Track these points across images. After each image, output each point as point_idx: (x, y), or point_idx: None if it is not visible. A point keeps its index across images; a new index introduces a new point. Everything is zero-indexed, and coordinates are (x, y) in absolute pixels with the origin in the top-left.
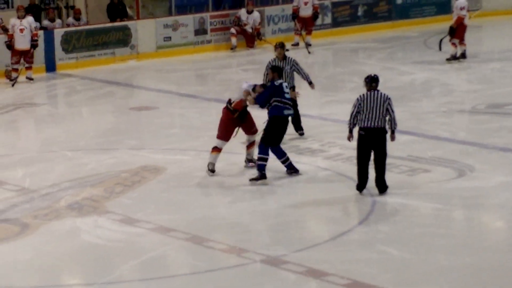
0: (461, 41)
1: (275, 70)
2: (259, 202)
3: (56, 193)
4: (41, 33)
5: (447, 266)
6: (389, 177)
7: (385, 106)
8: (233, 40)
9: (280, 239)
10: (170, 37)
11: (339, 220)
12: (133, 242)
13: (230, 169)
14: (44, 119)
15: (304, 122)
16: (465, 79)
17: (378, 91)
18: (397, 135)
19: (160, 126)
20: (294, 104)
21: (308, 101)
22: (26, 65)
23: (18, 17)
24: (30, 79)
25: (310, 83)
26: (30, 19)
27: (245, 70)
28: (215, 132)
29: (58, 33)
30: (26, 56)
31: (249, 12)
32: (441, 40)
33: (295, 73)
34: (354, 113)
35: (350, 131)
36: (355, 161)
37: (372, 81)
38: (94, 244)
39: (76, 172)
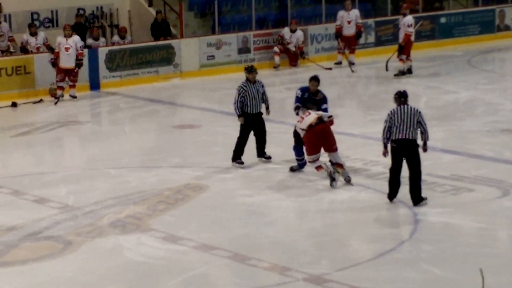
0: (408, 57)
1: None
2: (302, 220)
3: (99, 210)
4: (85, 51)
5: (492, 286)
6: (433, 196)
7: (417, 119)
8: (276, 59)
9: (323, 257)
10: (213, 56)
11: (382, 238)
12: (176, 260)
13: (273, 187)
14: (87, 137)
15: (347, 140)
16: (510, 99)
17: (408, 105)
18: (440, 154)
19: (203, 144)
20: (262, 128)
21: (351, 120)
22: (70, 83)
23: (65, 36)
24: (74, 97)
25: (267, 108)
26: (76, 38)
27: (288, 89)
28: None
29: (103, 52)
30: (70, 74)
31: (293, 31)
32: (387, 61)
33: None
34: (386, 128)
35: (385, 147)
36: None
37: (401, 96)
38: (137, 262)
39: (119, 190)
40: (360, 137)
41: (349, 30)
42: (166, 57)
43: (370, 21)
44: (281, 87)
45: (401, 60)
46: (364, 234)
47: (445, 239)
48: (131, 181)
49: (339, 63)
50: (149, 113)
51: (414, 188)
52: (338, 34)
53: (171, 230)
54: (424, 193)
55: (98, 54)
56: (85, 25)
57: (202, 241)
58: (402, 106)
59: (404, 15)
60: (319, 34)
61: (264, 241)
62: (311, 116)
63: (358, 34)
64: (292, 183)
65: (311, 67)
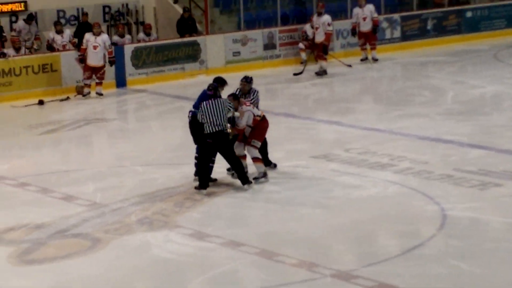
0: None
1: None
2: (329, 216)
3: (126, 207)
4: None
5: None
6: (460, 191)
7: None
8: (303, 55)
9: (350, 253)
10: (239, 52)
11: (409, 234)
12: (203, 257)
13: (300, 183)
14: (114, 134)
15: (373, 136)
16: None
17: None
18: (467, 149)
19: None
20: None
21: (377, 116)
22: (97, 81)
23: (94, 34)
24: (100, 94)
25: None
26: (105, 36)
27: (314, 85)
28: (283, 146)
29: (128, 49)
30: (97, 72)
31: (319, 14)
32: (305, 65)
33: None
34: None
35: None
36: (425, 175)
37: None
38: (165, 259)
39: (146, 186)
40: (386, 133)
41: (366, 27)
42: (192, 54)
43: (396, 16)
44: (306, 83)
45: (324, 59)
46: (392, 229)
47: (472, 235)
48: (158, 178)
49: (365, 59)
50: (175, 110)
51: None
52: (354, 31)
53: (198, 227)
54: (451, 188)
55: (124, 51)
56: (91, 24)
57: (229, 237)
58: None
59: (320, 14)
60: (345, 30)
61: (292, 237)
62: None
63: (374, 29)
64: (319, 179)
65: (335, 63)
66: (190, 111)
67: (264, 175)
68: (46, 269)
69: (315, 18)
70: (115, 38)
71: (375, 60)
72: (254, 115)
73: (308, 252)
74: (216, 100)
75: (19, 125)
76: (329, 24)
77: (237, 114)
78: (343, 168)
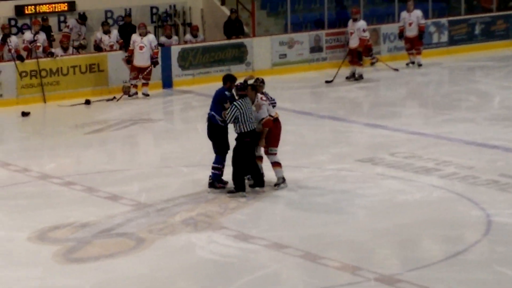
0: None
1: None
2: (373, 220)
3: (171, 208)
4: (159, 50)
5: None
6: (506, 197)
7: None
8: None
9: (394, 257)
10: (285, 54)
11: (454, 239)
12: (247, 258)
13: (343, 187)
14: (160, 134)
15: (419, 140)
16: None
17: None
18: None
19: None
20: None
21: (423, 120)
22: (143, 81)
23: (140, 34)
24: (146, 95)
25: None
26: (151, 37)
27: (360, 88)
28: (328, 149)
29: (175, 50)
30: (143, 72)
31: (354, 20)
32: (337, 71)
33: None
34: None
35: None
36: (470, 180)
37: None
38: (209, 260)
39: (191, 187)
40: (432, 137)
41: (411, 32)
42: (238, 56)
43: (443, 20)
44: (352, 86)
45: (360, 65)
46: (436, 234)
47: None
48: (203, 179)
49: (412, 63)
50: None
51: None
52: (401, 34)
53: (242, 228)
54: (497, 194)
55: (171, 52)
56: (134, 25)
57: (273, 239)
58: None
59: (355, 19)
60: (392, 33)
61: (336, 240)
62: None
63: (420, 35)
64: (364, 182)
65: (380, 67)
66: (213, 116)
67: (283, 180)
68: (91, 268)
69: (350, 23)
70: (162, 39)
71: (419, 65)
72: (268, 111)
73: (352, 256)
74: (246, 99)
75: (66, 125)
76: (364, 30)
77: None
78: (388, 172)
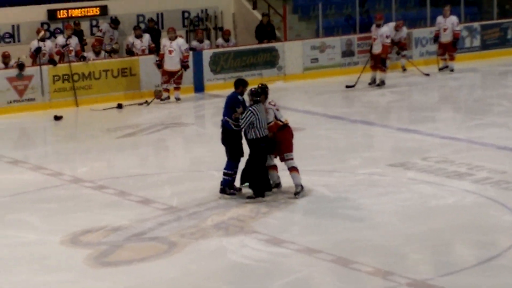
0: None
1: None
2: (405, 225)
3: (203, 212)
4: (189, 54)
5: None
6: None
7: None
8: (402, 61)
9: (426, 262)
10: (317, 59)
11: (487, 244)
12: (279, 263)
13: (376, 191)
14: (191, 138)
15: (452, 145)
16: None
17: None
18: None
19: (307, 147)
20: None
21: (456, 125)
22: (174, 85)
23: (169, 39)
24: (178, 99)
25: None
26: (180, 41)
27: (391, 92)
28: (360, 153)
29: (207, 54)
30: (174, 76)
31: (378, 26)
32: (359, 77)
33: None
34: None
35: None
36: (503, 185)
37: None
38: (240, 264)
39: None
40: (465, 142)
41: (446, 37)
42: (270, 60)
43: (476, 24)
44: (384, 90)
45: (383, 70)
46: (469, 239)
47: None
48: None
49: (445, 67)
50: None
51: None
52: (436, 38)
53: (274, 232)
54: None
55: (203, 57)
56: (159, 29)
57: (305, 244)
58: None
59: (379, 25)
60: (424, 38)
61: (367, 245)
62: None
63: (454, 42)
64: (396, 187)
65: (412, 71)
66: (227, 121)
67: (302, 188)
68: (122, 272)
69: (373, 29)
70: (194, 43)
71: (451, 70)
72: (275, 116)
73: (384, 260)
74: (259, 105)
75: (98, 128)
76: (387, 37)
77: None
78: (421, 177)
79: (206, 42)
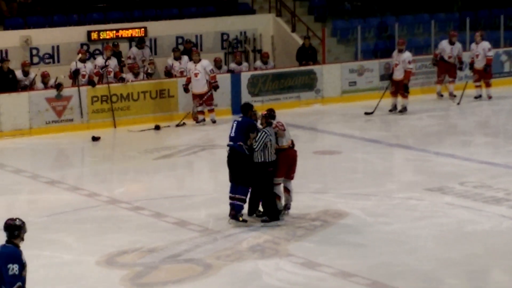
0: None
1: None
2: (442, 249)
3: (238, 234)
4: (228, 76)
5: None
6: None
7: None
8: (438, 88)
9: (463, 287)
10: (355, 82)
11: None
12: (314, 286)
13: (412, 215)
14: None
15: (489, 170)
16: None
17: None
18: None
19: (343, 171)
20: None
21: (494, 149)
22: (207, 107)
23: (194, 62)
24: (213, 121)
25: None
26: (204, 62)
27: (429, 117)
28: (397, 177)
29: (245, 76)
30: (204, 99)
31: (452, 43)
32: (378, 103)
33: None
34: None
35: None
36: None
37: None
38: (275, 287)
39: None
40: (502, 167)
41: (479, 64)
42: (308, 83)
43: None
44: (422, 114)
45: (405, 97)
46: (506, 265)
47: None
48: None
49: (478, 97)
50: None
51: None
52: (471, 66)
53: (309, 256)
54: None
55: (241, 79)
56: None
57: (340, 268)
58: None
59: (401, 50)
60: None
61: (404, 270)
62: None
63: (485, 68)
64: (433, 211)
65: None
66: (241, 146)
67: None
68: None
69: (395, 54)
70: (232, 65)
71: (489, 97)
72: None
73: (420, 285)
74: (271, 128)
75: (135, 149)
76: (409, 62)
77: None
78: (458, 202)
79: (245, 64)
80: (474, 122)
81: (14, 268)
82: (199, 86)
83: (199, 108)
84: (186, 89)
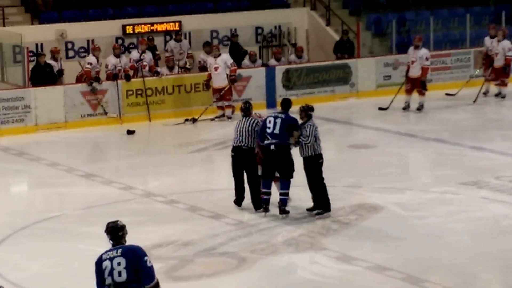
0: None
1: None
2: (477, 244)
3: (273, 228)
4: (262, 70)
5: None
6: None
7: None
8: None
9: (497, 282)
10: (390, 76)
11: None
12: (348, 280)
13: (447, 210)
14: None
15: None
16: None
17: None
18: None
19: (378, 165)
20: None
21: None
22: (226, 103)
23: (214, 57)
24: (229, 118)
25: None
26: (224, 56)
27: (464, 110)
28: (432, 171)
29: (280, 70)
30: (223, 93)
31: (499, 40)
32: (392, 100)
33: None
34: None
35: None
36: None
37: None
38: (310, 281)
39: (293, 208)
40: None
41: (497, 62)
42: (343, 77)
43: None
44: (457, 108)
45: (423, 94)
46: None
47: None
48: (305, 200)
49: (486, 92)
50: (325, 132)
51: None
52: (491, 64)
53: (344, 249)
54: None
55: (275, 73)
56: (240, 46)
57: (375, 261)
58: None
59: (417, 47)
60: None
61: (438, 264)
62: None
63: (504, 68)
64: (468, 206)
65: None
66: (288, 143)
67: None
68: (193, 286)
69: (411, 51)
70: (272, 61)
71: (503, 97)
72: None
73: (455, 280)
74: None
75: (170, 143)
76: (427, 59)
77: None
78: (493, 196)
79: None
80: (510, 115)
81: (150, 260)
82: (219, 80)
83: (219, 104)
84: (207, 85)
